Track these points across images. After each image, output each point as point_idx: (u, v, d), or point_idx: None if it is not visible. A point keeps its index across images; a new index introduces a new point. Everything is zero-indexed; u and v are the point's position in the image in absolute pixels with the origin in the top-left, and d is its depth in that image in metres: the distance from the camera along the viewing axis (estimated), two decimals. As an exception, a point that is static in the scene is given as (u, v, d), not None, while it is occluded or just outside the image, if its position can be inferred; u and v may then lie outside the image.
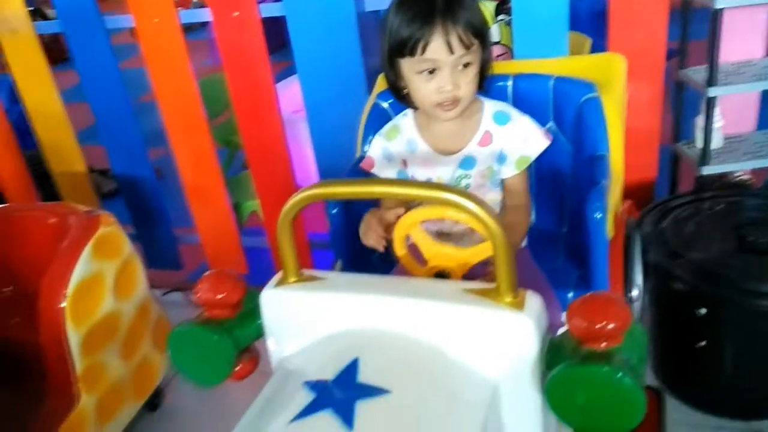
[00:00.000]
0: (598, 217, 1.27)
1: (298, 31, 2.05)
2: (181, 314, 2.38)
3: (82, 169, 2.49)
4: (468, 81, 1.23)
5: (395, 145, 1.37)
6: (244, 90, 2.19)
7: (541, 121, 1.45)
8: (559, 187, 1.56)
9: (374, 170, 1.39)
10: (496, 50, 2.30)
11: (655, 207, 1.87)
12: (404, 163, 1.37)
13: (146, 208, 2.53)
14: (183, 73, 2.21)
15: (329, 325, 1.02)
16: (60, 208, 1.94)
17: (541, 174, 1.57)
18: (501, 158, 1.32)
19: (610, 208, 1.37)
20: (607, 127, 1.43)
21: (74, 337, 1.71)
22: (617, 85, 1.52)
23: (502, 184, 1.35)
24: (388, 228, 1.17)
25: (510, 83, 1.53)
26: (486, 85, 1.32)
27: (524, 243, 1.43)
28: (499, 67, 1.62)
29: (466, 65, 1.22)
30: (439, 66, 1.20)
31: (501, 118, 1.33)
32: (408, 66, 1.23)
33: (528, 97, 1.51)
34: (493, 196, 1.35)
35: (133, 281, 1.92)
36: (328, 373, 0.91)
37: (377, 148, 1.39)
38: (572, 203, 1.55)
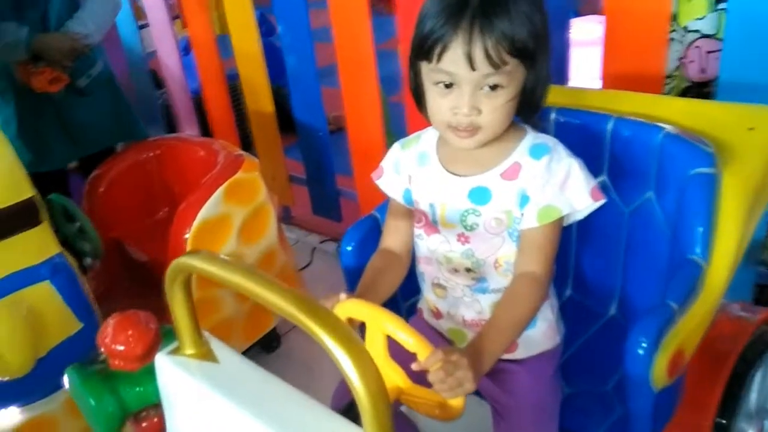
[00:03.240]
0: (641, 353, 0.92)
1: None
2: (331, 263, 2.52)
3: (270, 109, 2.62)
4: (494, 108, 0.95)
5: (407, 156, 1.13)
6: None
7: (641, 187, 1.09)
8: (652, 282, 1.17)
9: (379, 182, 1.17)
10: (708, 45, 1.86)
11: None
12: (410, 179, 1.13)
13: (317, 157, 2.58)
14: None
15: (191, 423, 0.90)
16: (212, 145, 2.06)
17: (632, 259, 1.21)
18: (523, 200, 1.01)
19: (675, 340, 0.97)
20: (714, 221, 1.02)
21: (192, 268, 1.83)
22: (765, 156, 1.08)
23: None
24: None
25: (611, 126, 1.16)
26: (533, 117, 1.02)
27: (555, 342, 1.12)
28: (604, 98, 1.26)
29: (494, 87, 0.94)
30: (457, 81, 0.94)
31: (538, 151, 1.01)
32: (426, 72, 0.99)
33: (629, 151, 1.15)
34: (509, 254, 1.04)
35: (262, 229, 1.99)
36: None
37: (391, 157, 1.16)
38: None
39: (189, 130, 3.08)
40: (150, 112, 3.20)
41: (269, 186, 2.02)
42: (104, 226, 2.08)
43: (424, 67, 0.98)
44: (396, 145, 1.16)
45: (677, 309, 0.96)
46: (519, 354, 1.09)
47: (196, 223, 1.81)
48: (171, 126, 3.21)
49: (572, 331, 1.20)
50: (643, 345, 0.93)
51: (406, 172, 1.13)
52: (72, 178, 2.36)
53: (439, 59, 0.93)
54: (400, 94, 2.18)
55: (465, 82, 0.94)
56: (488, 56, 0.91)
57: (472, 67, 0.92)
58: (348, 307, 0.95)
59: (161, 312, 1.85)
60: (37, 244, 1.55)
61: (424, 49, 0.94)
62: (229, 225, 1.88)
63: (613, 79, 1.68)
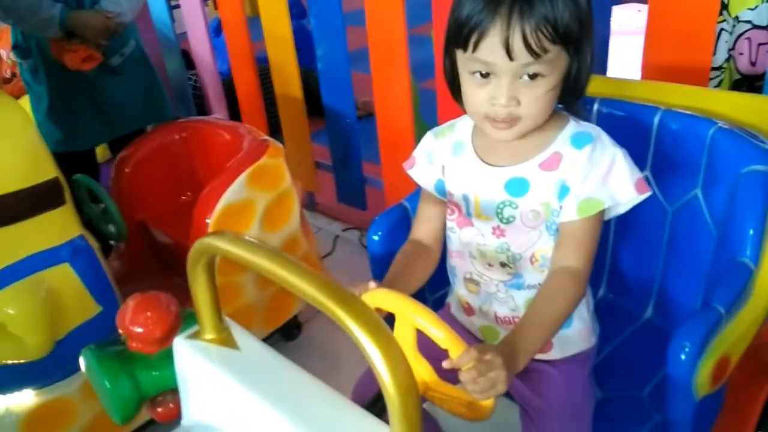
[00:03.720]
0: (684, 358, 0.87)
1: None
2: (353, 252, 2.49)
3: (299, 94, 2.58)
4: (535, 98, 0.89)
5: (440, 146, 1.08)
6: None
7: (687, 184, 1.03)
8: (693, 284, 1.11)
9: (411, 172, 1.12)
10: (760, 37, 1.77)
11: None
12: (443, 169, 1.08)
13: (345, 144, 2.54)
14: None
15: (208, 409, 0.86)
16: (238, 129, 2.03)
17: (672, 259, 1.15)
18: (562, 192, 0.96)
19: (722, 346, 0.92)
20: (766, 223, 0.95)
21: (213, 253, 1.81)
22: None
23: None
24: None
25: (657, 119, 1.10)
26: (575, 104, 0.96)
27: (591, 343, 1.06)
28: (649, 89, 1.19)
29: (533, 76, 0.88)
30: (494, 71, 0.89)
31: (581, 140, 0.95)
32: (461, 60, 0.93)
33: (676, 145, 1.08)
34: (546, 248, 0.99)
35: (285, 215, 1.96)
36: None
37: (423, 147, 1.11)
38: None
39: (218, 112, 3.06)
40: (181, 92, 3.19)
41: (295, 171, 1.99)
42: (130, 208, 2.06)
43: (460, 56, 0.93)
44: (429, 134, 1.11)
45: (724, 313, 0.90)
46: (553, 354, 1.04)
47: (218, 208, 1.79)
48: (201, 107, 3.19)
49: (606, 332, 1.14)
50: (687, 350, 0.87)
51: (440, 162, 1.08)
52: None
53: (475, 48, 0.88)
54: (433, 81, 2.12)
55: (503, 72, 0.88)
56: (527, 44, 0.85)
57: (510, 57, 0.86)
58: (377, 297, 0.90)
59: (184, 296, 1.83)
60: (59, 225, 1.52)
61: (461, 36, 0.89)
62: (252, 210, 1.85)
63: (654, 70, 1.61)
